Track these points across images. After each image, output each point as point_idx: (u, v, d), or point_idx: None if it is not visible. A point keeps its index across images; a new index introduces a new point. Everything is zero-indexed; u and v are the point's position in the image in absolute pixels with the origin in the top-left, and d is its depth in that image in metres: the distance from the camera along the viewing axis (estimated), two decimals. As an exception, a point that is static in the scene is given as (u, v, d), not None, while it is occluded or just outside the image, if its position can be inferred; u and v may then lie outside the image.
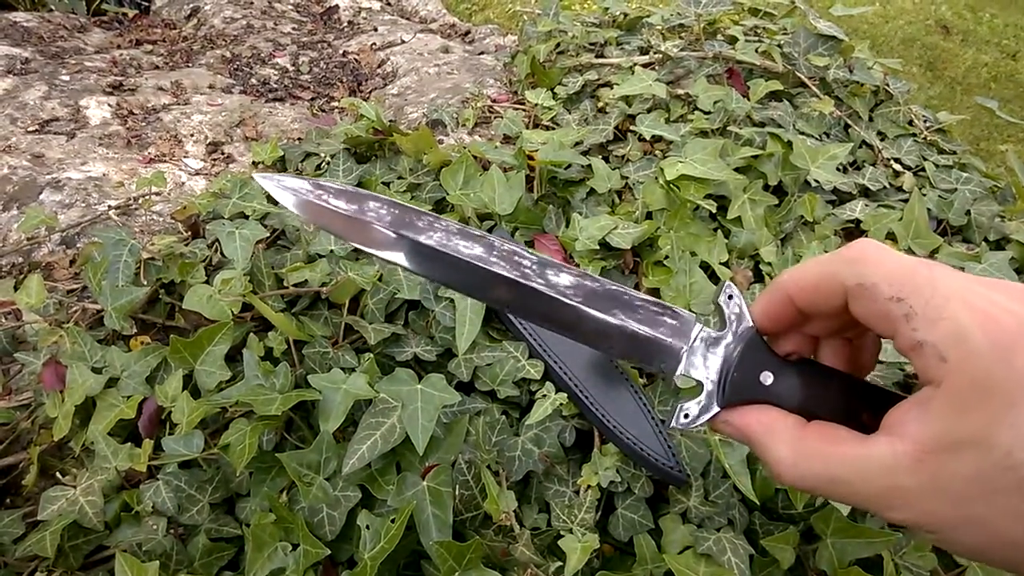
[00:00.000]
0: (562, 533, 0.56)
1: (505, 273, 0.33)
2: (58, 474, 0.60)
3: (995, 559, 0.25)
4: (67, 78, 1.15)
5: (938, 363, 0.24)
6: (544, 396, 0.61)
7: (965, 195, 0.90)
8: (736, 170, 0.83)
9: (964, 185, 0.93)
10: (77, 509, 0.57)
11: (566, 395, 0.61)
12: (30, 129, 0.99)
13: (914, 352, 0.24)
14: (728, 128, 0.91)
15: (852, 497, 0.26)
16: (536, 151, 0.83)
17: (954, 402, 0.23)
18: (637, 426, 0.59)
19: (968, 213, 0.89)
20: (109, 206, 0.84)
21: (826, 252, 0.81)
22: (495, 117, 1.03)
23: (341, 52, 1.43)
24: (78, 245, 0.79)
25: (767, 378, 0.30)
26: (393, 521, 0.53)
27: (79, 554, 0.57)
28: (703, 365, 0.31)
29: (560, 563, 0.54)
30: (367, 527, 0.54)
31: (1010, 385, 0.22)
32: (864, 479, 0.25)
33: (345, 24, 1.63)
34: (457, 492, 0.57)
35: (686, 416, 0.31)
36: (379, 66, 1.36)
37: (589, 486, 0.58)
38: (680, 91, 0.99)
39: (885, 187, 0.91)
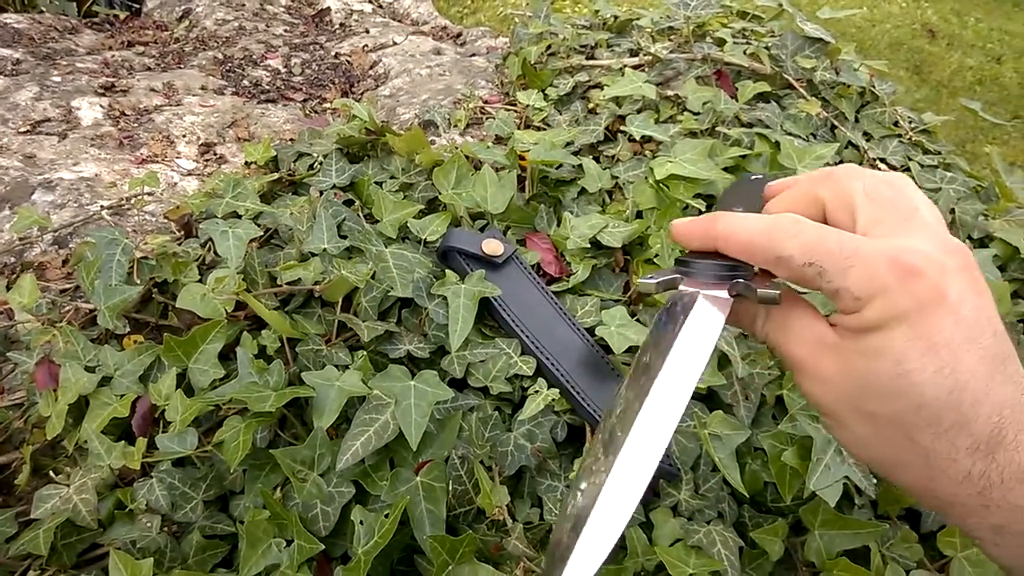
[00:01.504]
0: (554, 527, 0.57)
1: None
2: (51, 473, 0.60)
3: (871, 458, 0.31)
4: (58, 79, 1.15)
5: (854, 301, 0.29)
6: (536, 392, 0.61)
7: (949, 194, 0.92)
8: (725, 170, 0.84)
9: (948, 184, 0.94)
10: (70, 507, 0.57)
11: (558, 391, 0.62)
12: (22, 130, 0.99)
13: (835, 297, 0.29)
14: (717, 128, 0.92)
15: (784, 347, 0.33)
16: (527, 151, 0.84)
17: (865, 323, 0.29)
18: (628, 421, 0.60)
19: (953, 212, 0.90)
20: (101, 206, 0.84)
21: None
22: (487, 118, 1.03)
23: (333, 54, 1.43)
24: (71, 245, 0.79)
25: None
26: (387, 516, 0.53)
27: (72, 552, 0.57)
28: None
29: (552, 556, 0.55)
30: (361, 522, 0.54)
31: (909, 308, 0.27)
32: (799, 339, 0.32)
33: (337, 26, 1.64)
34: (450, 487, 0.58)
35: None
36: (371, 68, 1.36)
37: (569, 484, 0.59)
38: (669, 92, 1.00)
39: (871, 187, 0.93)
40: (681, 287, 0.34)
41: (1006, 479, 0.27)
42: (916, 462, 0.29)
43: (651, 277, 0.35)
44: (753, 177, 0.40)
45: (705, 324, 0.32)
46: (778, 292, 0.31)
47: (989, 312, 0.28)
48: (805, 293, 0.35)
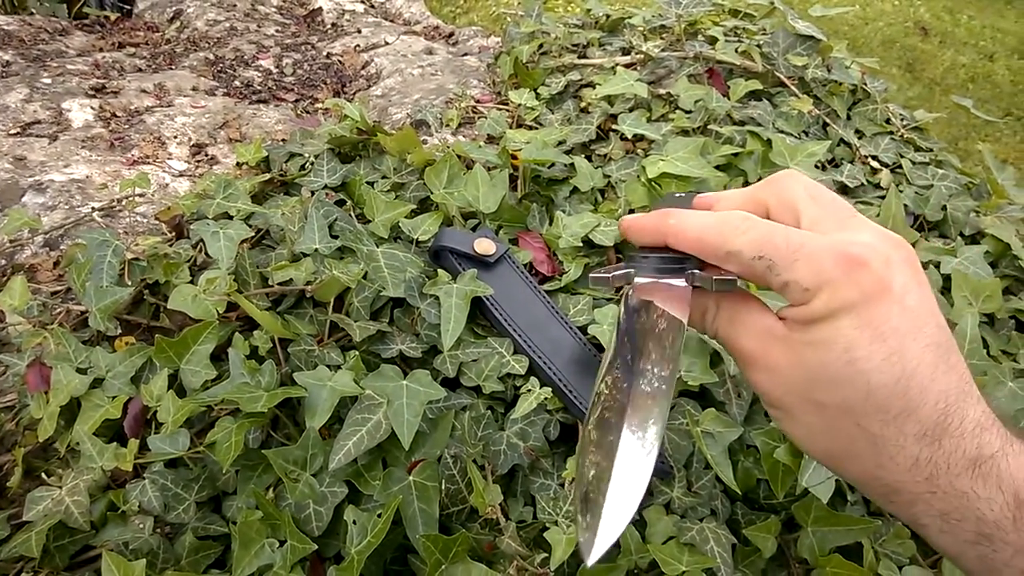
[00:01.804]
0: (547, 525, 0.57)
1: None
2: (43, 475, 0.60)
3: (820, 450, 0.31)
4: (49, 81, 1.15)
5: (803, 293, 0.29)
6: (529, 391, 0.61)
7: (941, 191, 0.92)
8: (716, 168, 0.84)
9: (940, 181, 0.95)
10: (63, 509, 0.57)
11: (550, 390, 0.62)
12: (12, 132, 0.99)
13: (784, 290, 0.30)
14: (708, 127, 0.92)
15: (734, 341, 0.33)
16: (519, 150, 0.84)
17: (813, 314, 0.29)
18: (620, 419, 0.60)
19: (944, 208, 0.91)
20: (92, 208, 0.83)
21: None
22: (479, 117, 1.03)
23: (325, 54, 1.43)
24: (61, 247, 0.79)
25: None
26: (380, 516, 0.53)
27: (65, 554, 0.57)
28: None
29: (546, 555, 0.55)
30: (354, 522, 0.54)
31: (855, 298, 0.28)
32: (748, 331, 0.32)
33: (328, 26, 1.63)
34: (443, 486, 0.58)
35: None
36: (363, 68, 1.36)
37: (574, 479, 0.59)
38: (661, 91, 1.00)
39: (863, 184, 0.93)
40: (637, 280, 0.35)
41: (952, 465, 0.28)
42: (865, 451, 0.29)
43: (604, 272, 0.36)
44: (677, 195, 0.41)
45: (670, 326, 0.33)
46: (735, 277, 0.32)
47: (931, 304, 0.29)
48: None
